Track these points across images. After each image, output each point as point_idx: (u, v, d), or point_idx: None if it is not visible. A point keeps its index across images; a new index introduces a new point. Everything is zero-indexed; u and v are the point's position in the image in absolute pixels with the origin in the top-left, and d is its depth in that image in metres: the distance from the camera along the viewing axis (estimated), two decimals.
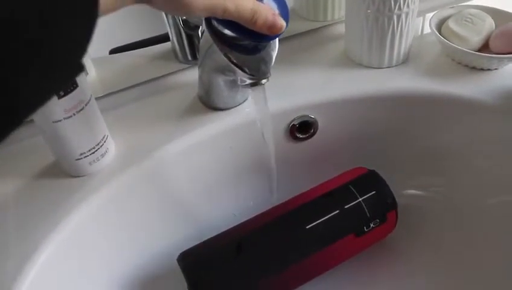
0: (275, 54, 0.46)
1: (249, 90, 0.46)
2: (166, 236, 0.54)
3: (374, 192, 0.54)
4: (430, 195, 0.63)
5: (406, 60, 0.63)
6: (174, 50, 0.64)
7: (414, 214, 0.62)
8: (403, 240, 0.60)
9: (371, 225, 0.53)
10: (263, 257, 0.50)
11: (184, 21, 0.60)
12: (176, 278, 0.51)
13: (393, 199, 0.55)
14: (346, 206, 0.52)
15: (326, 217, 0.52)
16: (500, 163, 0.57)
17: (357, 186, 0.54)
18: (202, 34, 0.50)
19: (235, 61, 0.44)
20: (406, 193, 0.63)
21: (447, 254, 0.58)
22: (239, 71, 0.44)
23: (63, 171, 0.52)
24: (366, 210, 0.53)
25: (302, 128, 0.60)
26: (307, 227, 0.51)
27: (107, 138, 0.52)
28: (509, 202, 0.56)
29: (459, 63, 0.62)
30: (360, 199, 0.53)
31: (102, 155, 0.52)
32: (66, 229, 0.47)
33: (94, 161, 0.51)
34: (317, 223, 0.51)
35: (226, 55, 0.44)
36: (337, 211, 0.52)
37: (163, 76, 0.63)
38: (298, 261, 0.51)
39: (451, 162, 0.61)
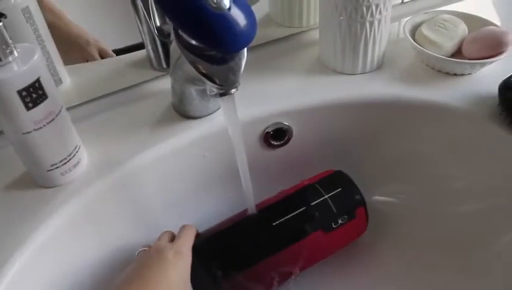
0: (243, 63, 0.46)
1: (219, 100, 0.46)
2: (139, 245, 0.54)
3: (339, 189, 0.55)
4: (400, 201, 0.64)
5: (380, 66, 0.63)
6: (149, 57, 0.64)
7: (384, 219, 0.62)
8: (372, 245, 0.61)
9: (339, 221, 0.53)
10: (228, 255, 0.51)
11: (158, 29, 0.60)
12: None
13: (361, 195, 0.55)
14: (312, 203, 0.53)
15: (292, 214, 0.53)
16: (471, 169, 0.57)
17: (323, 185, 0.55)
18: (171, 43, 0.50)
19: (203, 71, 0.44)
20: (377, 199, 0.64)
21: (415, 259, 0.59)
22: (208, 81, 0.44)
23: (35, 182, 0.51)
24: (333, 206, 0.53)
25: (276, 136, 0.60)
26: (274, 224, 0.52)
27: (79, 148, 0.52)
28: (479, 210, 0.57)
29: (433, 68, 0.62)
30: (326, 196, 0.54)
31: (75, 166, 0.51)
32: (37, 241, 0.47)
33: (66, 171, 0.51)
34: (284, 220, 0.52)
35: (194, 65, 0.44)
36: (304, 208, 0.53)
37: (138, 84, 0.63)
38: (266, 258, 0.51)
39: (424, 168, 0.61)
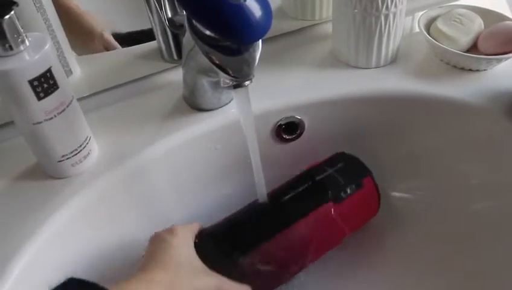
0: (258, 55, 0.45)
1: (232, 92, 0.45)
2: (149, 236, 0.53)
3: (343, 163, 0.56)
4: (414, 197, 0.63)
5: (394, 60, 0.62)
6: (159, 49, 0.63)
7: (397, 215, 0.62)
8: (389, 240, 0.60)
9: (348, 191, 0.53)
10: (241, 234, 0.51)
11: (169, 20, 0.60)
12: None
13: (366, 167, 0.56)
14: (318, 178, 0.54)
15: (300, 189, 0.53)
16: (486, 166, 0.57)
17: (327, 164, 0.56)
18: (184, 34, 0.50)
19: (217, 62, 0.44)
20: (393, 194, 0.63)
21: (428, 256, 0.58)
22: (221, 73, 0.44)
23: (45, 173, 0.51)
24: (339, 178, 0.54)
25: (288, 129, 0.59)
26: (282, 200, 0.52)
27: (89, 140, 0.51)
28: (494, 207, 0.56)
29: (448, 64, 0.61)
30: (332, 170, 0.55)
31: (85, 157, 0.51)
32: (47, 232, 0.46)
33: (76, 162, 0.50)
34: (292, 195, 0.53)
35: (208, 56, 0.44)
36: (311, 183, 0.54)
37: (148, 75, 0.62)
38: (278, 232, 0.51)
39: (438, 164, 0.60)
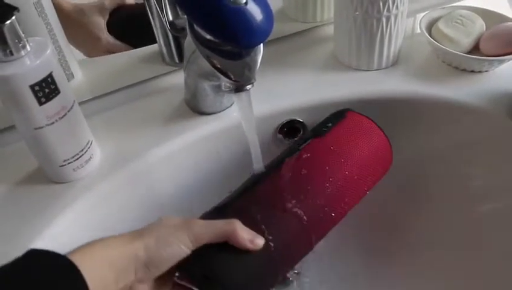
0: (259, 59, 0.45)
1: (233, 96, 0.45)
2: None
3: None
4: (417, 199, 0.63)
5: (395, 62, 0.62)
6: (161, 52, 0.63)
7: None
8: (392, 243, 0.60)
9: (329, 125, 0.51)
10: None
11: (171, 23, 0.60)
12: None
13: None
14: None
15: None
16: (487, 168, 0.56)
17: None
18: (186, 37, 0.49)
19: (218, 66, 0.44)
20: None
21: (430, 258, 0.58)
22: (223, 77, 0.44)
23: (47, 177, 0.51)
24: (320, 123, 0.52)
25: (290, 132, 0.59)
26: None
27: (91, 144, 0.51)
28: (496, 209, 0.56)
29: (449, 65, 0.61)
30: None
31: (87, 161, 0.51)
32: (49, 236, 0.46)
33: (78, 167, 0.50)
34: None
35: (209, 60, 0.44)
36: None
37: (150, 79, 0.62)
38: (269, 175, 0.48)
39: (439, 166, 0.60)
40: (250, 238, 0.40)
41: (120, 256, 0.36)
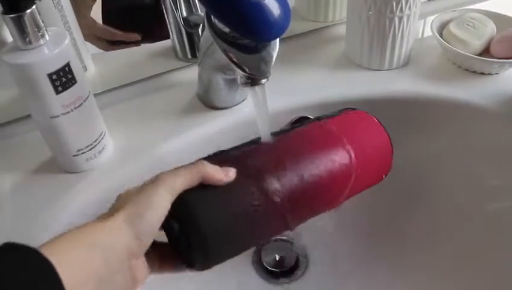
0: (275, 54, 0.45)
1: (248, 90, 0.45)
2: (160, 233, 0.54)
3: None
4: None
5: (406, 63, 0.63)
6: (174, 48, 0.64)
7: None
8: (407, 241, 0.60)
9: (331, 115, 0.49)
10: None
11: (184, 19, 0.60)
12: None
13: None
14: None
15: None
16: (499, 168, 0.57)
17: None
18: (203, 32, 0.50)
19: (235, 60, 0.44)
20: None
21: (445, 257, 0.58)
22: (239, 70, 0.44)
23: (60, 167, 0.51)
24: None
25: None
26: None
27: (104, 135, 0.52)
28: (505, 209, 0.56)
29: (460, 67, 0.61)
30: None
31: (100, 152, 0.51)
32: (61, 226, 0.47)
33: (91, 157, 0.51)
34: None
35: (226, 53, 0.44)
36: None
37: (162, 73, 0.63)
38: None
39: (450, 168, 0.60)
40: (224, 172, 0.39)
41: (104, 236, 0.35)
